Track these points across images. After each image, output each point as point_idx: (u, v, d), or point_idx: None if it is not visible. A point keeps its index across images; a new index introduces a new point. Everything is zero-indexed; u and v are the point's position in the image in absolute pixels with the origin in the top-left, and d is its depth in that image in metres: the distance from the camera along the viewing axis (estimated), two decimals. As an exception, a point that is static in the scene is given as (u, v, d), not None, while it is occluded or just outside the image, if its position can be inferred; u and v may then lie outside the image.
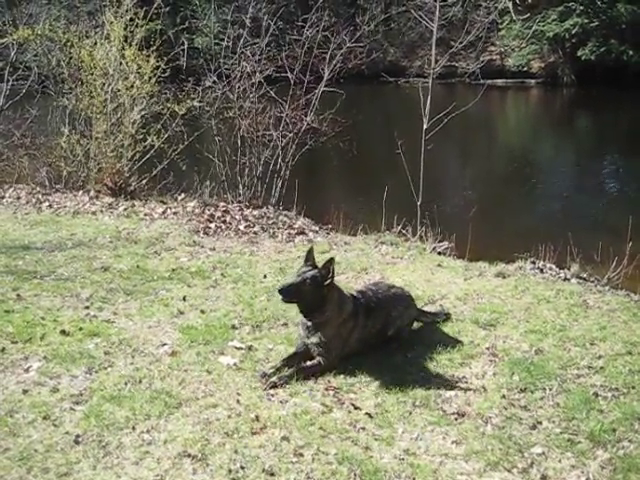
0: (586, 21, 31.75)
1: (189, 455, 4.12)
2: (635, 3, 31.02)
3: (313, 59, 11.83)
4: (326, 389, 5.02)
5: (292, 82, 11.67)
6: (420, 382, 5.11)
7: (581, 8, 31.83)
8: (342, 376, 5.20)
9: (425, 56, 26.30)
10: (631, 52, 30.97)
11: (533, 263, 8.11)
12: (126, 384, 4.94)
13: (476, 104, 10.92)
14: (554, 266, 8.10)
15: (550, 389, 5.01)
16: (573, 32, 31.97)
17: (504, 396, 4.93)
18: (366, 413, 4.70)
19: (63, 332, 5.76)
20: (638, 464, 4.16)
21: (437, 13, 11.49)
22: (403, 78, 29.85)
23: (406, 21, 37.59)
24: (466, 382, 5.15)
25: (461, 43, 12.40)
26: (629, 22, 31.18)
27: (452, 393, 4.98)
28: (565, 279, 7.67)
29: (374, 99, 33.25)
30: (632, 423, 4.57)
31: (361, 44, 12.96)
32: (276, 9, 16.91)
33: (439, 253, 8.97)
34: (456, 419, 4.66)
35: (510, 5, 5.04)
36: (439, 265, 7.96)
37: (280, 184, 11.73)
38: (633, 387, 5.01)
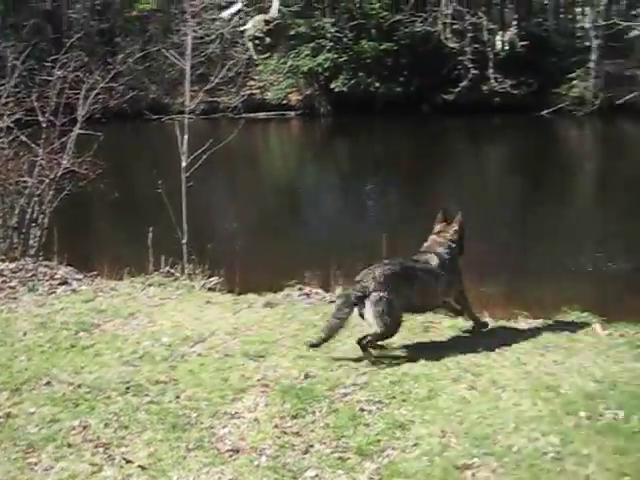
0: (336, 56, 33.96)
1: None
2: (375, 40, 33.76)
3: (67, 100, 11.29)
4: (95, 446, 4.74)
5: (45, 125, 11.03)
6: (193, 423, 5.02)
7: (330, 44, 34.01)
8: (112, 430, 4.95)
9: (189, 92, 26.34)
10: (377, 84, 33.61)
11: (300, 289, 8.34)
12: None
13: (241, 138, 11.13)
14: (320, 290, 8.40)
15: (320, 411, 5.15)
16: (325, 66, 34.00)
17: (276, 425, 4.98)
18: (139, 466, 4.50)
19: None
20: (399, 469, 4.42)
21: (189, 51, 11.54)
22: (166, 115, 29.58)
23: (165, 59, 37.49)
24: (239, 417, 5.13)
25: (221, 78, 12.42)
26: (372, 57, 33.87)
27: (225, 430, 4.94)
28: (330, 302, 7.96)
29: (137, 138, 32.68)
30: (394, 431, 4.84)
31: (115, 84, 12.60)
32: (24, 47, 15.91)
33: (209, 289, 8.93)
34: (231, 456, 4.62)
35: (251, 46, 5.23)
36: (208, 302, 7.91)
37: (39, 233, 10.99)
38: (394, 397, 5.30)
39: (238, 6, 5.80)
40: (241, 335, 6.69)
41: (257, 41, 4.90)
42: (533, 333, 6.78)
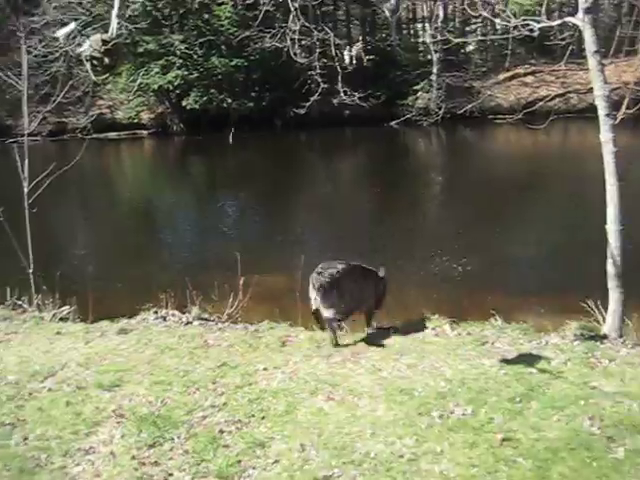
0: (186, 73, 33.51)
1: None
2: (226, 57, 33.70)
3: None
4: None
5: None
6: (43, 465, 4.77)
7: (180, 61, 33.52)
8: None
9: (32, 114, 25.11)
10: (229, 100, 33.54)
11: (156, 313, 8.15)
12: None
13: (92, 159, 10.73)
14: (177, 312, 8.23)
15: (179, 437, 5.05)
16: (176, 84, 33.47)
17: (134, 457, 4.83)
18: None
19: None
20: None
21: (25, 70, 10.99)
22: (10, 138, 28.02)
23: (5, 79, 35.62)
24: (94, 452, 4.93)
25: (67, 98, 11.87)
26: (223, 73, 33.76)
27: (79, 468, 4.74)
28: (187, 323, 7.85)
29: (-22, 163, 30.68)
30: (254, 450, 4.83)
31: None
32: None
33: (61, 319, 8.50)
34: (85, 495, 4.42)
35: (88, 66, 5.03)
36: (59, 333, 7.56)
37: None
38: (253, 415, 5.30)
39: (72, 26, 5.59)
40: (94, 365, 6.44)
41: (95, 61, 4.73)
42: (387, 339, 7.01)
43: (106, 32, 4.90)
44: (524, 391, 5.57)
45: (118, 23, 4.99)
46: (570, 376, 5.87)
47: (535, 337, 7.04)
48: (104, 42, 4.65)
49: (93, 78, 5.14)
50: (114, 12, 4.84)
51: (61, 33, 5.34)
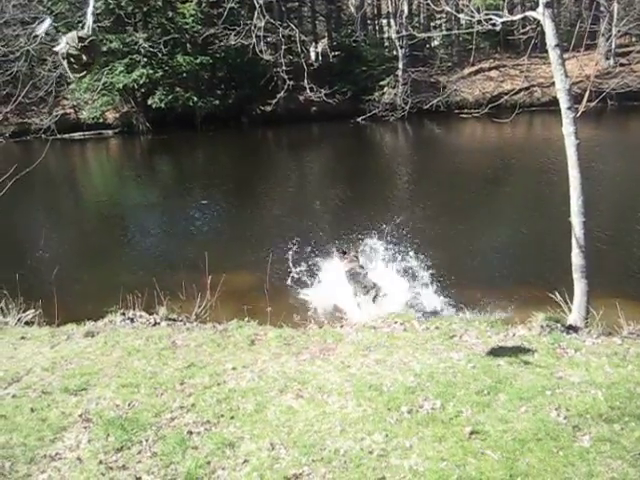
0: (151, 71, 33.16)
1: None
2: (191, 55, 33.46)
3: None
4: None
5: None
6: (7, 473, 4.67)
7: (145, 60, 33.15)
8: None
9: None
10: (195, 98, 33.29)
11: (123, 314, 8.05)
12: None
13: (57, 160, 10.58)
14: (144, 313, 8.15)
15: (147, 440, 4.99)
16: (141, 82, 33.11)
17: (101, 461, 4.75)
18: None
19: None
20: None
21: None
22: (-30, 139, 27.54)
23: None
24: (60, 458, 4.84)
25: (30, 98, 11.61)
26: (189, 71, 33.50)
27: (45, 476, 4.65)
28: (155, 324, 7.78)
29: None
30: (223, 451, 4.79)
31: None
32: None
33: (26, 323, 8.37)
34: (51, 503, 4.34)
35: (65, 64, 4.92)
36: (23, 337, 7.42)
37: None
38: (222, 415, 5.25)
39: (47, 22, 5.46)
40: (60, 369, 6.33)
41: (72, 59, 4.62)
42: (356, 335, 7.02)
43: (75, 30, 4.80)
44: (492, 383, 5.62)
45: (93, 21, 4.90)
46: (537, 367, 5.93)
47: (502, 329, 7.10)
48: (80, 39, 4.56)
49: (71, 76, 5.04)
50: (90, 9, 4.74)
51: (40, 30, 5.19)
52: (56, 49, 4.66)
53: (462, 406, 5.26)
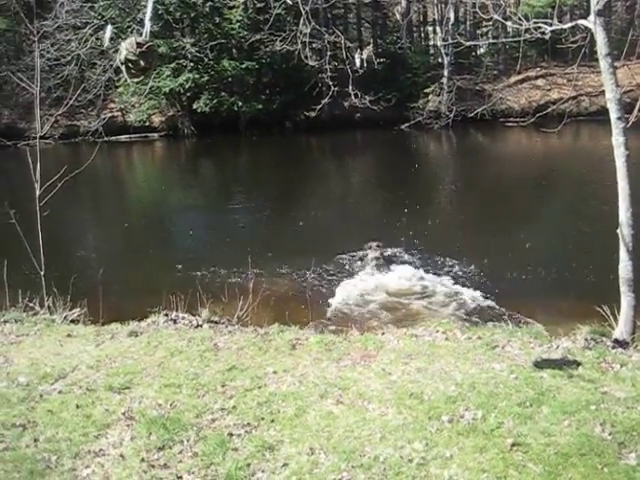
0: (197, 76, 33.61)
1: None
2: (237, 60, 33.82)
3: None
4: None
5: None
6: (53, 467, 4.77)
7: (191, 64, 33.65)
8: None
9: (44, 117, 25.27)
10: (240, 103, 33.63)
11: (166, 315, 8.15)
12: None
13: (104, 162, 10.81)
14: (187, 315, 8.24)
15: (188, 440, 5.05)
16: (187, 87, 33.60)
17: (143, 459, 4.83)
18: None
19: None
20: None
21: (37, 74, 11.03)
22: (22, 141, 28.24)
23: (18, 82, 35.79)
24: (103, 454, 4.93)
25: (79, 101, 11.89)
26: (234, 76, 33.89)
27: (89, 471, 4.74)
28: (197, 326, 7.86)
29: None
30: (263, 453, 4.82)
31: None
32: None
33: (71, 321, 8.54)
34: (93, 498, 4.43)
35: (124, 69, 5.06)
36: (69, 335, 7.57)
37: None
38: (262, 418, 5.29)
39: (109, 29, 5.57)
40: (104, 368, 6.45)
41: (130, 64, 4.73)
42: (398, 343, 6.99)
43: (132, 36, 4.89)
44: (534, 395, 5.54)
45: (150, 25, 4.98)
46: (581, 381, 5.83)
47: (546, 341, 6.99)
48: (139, 45, 4.65)
49: (129, 81, 5.15)
50: (147, 15, 4.85)
51: (106, 38, 5.27)
52: (118, 58, 4.75)
53: (504, 417, 5.20)
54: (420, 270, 11.39)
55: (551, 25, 7.86)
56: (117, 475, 4.66)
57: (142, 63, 4.67)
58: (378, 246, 12.67)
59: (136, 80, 5.07)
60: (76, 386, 6.06)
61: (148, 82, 33.51)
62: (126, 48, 4.59)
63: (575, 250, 12.39)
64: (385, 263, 11.91)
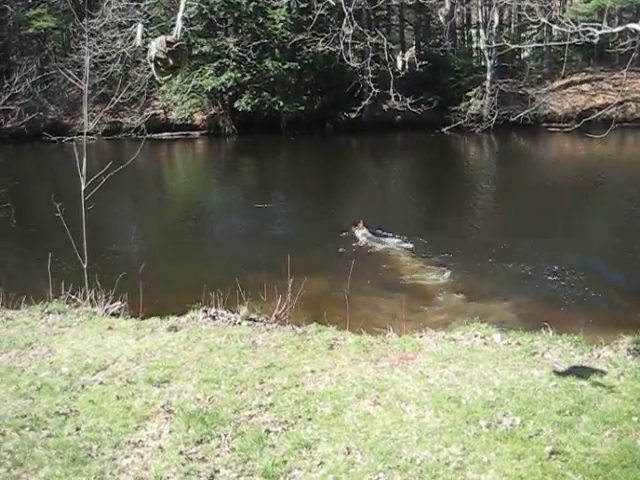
0: (239, 75, 33.85)
1: None
2: (279, 60, 33.99)
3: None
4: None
5: None
6: (94, 455, 4.87)
7: (234, 63, 33.90)
8: (5, 469, 4.73)
9: (89, 113, 25.72)
10: (281, 103, 33.79)
11: (205, 312, 8.22)
12: None
13: (145, 158, 10.97)
14: (225, 312, 8.30)
15: (225, 435, 5.10)
16: (229, 85, 33.86)
17: (181, 452, 4.89)
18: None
19: None
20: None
21: (87, 71, 11.24)
22: (67, 136, 28.81)
23: (65, 78, 36.44)
24: (143, 445, 5.01)
25: (123, 98, 12.11)
26: (276, 76, 34.06)
27: (128, 461, 4.82)
28: (236, 323, 7.92)
29: (37, 160, 31.55)
30: (300, 451, 4.85)
31: (12, 104, 12.20)
32: None
33: (112, 315, 8.68)
34: (132, 488, 4.50)
35: (152, 67, 5.16)
36: (110, 328, 7.70)
37: None
38: (299, 417, 5.32)
39: (140, 27, 5.68)
40: (144, 361, 6.54)
41: (159, 62, 4.80)
42: (436, 346, 6.96)
43: (163, 35, 4.96)
44: (574, 404, 5.46)
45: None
46: (623, 391, 5.73)
47: (587, 350, 6.89)
48: (168, 43, 4.72)
49: (157, 79, 5.23)
50: (179, 14, 4.91)
51: (138, 37, 5.36)
52: (148, 56, 4.81)
53: (543, 425, 5.15)
54: (460, 272, 11.34)
55: (600, 29, 7.74)
56: (156, 466, 4.73)
57: (171, 62, 4.72)
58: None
59: (165, 78, 5.15)
60: (117, 378, 6.16)
61: (191, 80, 33.95)
62: (156, 47, 4.65)
63: (616, 258, 12.20)
64: (354, 225, 13.86)
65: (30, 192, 22.46)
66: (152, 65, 4.83)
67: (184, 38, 5.29)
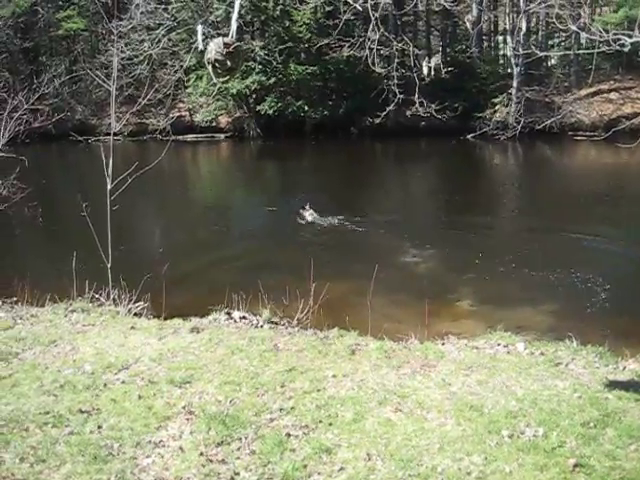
0: (264, 79, 34.00)
1: None
2: (304, 64, 34.08)
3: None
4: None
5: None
6: (115, 454, 4.89)
7: (259, 67, 34.06)
8: (28, 464, 4.78)
9: (115, 114, 25.96)
10: (306, 107, 33.86)
11: (227, 314, 8.27)
12: None
13: (170, 160, 11.03)
14: (247, 314, 8.34)
15: (246, 438, 5.10)
16: (253, 88, 34.02)
17: (202, 453, 4.90)
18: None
19: None
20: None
21: (115, 72, 11.34)
22: (93, 137, 29.13)
23: (92, 79, 36.81)
24: (163, 445, 5.03)
25: (149, 100, 12.17)
26: (301, 80, 34.14)
27: (149, 460, 4.83)
28: (258, 326, 7.94)
29: (63, 160, 31.94)
30: (320, 456, 4.83)
31: (40, 104, 12.36)
32: None
33: (135, 314, 8.75)
34: (154, 487, 4.51)
35: (210, 69, 5.23)
36: (133, 327, 7.75)
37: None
38: (320, 421, 5.30)
39: (200, 29, 5.67)
40: (166, 361, 6.58)
41: (217, 64, 4.82)
42: (458, 354, 6.92)
43: (221, 37, 4.96)
44: (599, 416, 5.39)
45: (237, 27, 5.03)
46: (649, 404, 5.65)
47: (611, 361, 6.80)
48: (226, 45, 4.73)
49: (214, 80, 5.26)
50: (234, 15, 4.94)
51: (199, 40, 5.35)
52: (206, 58, 4.82)
53: (566, 436, 5.08)
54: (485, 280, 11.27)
55: (631, 37, 7.65)
56: (176, 467, 4.74)
57: (229, 63, 4.74)
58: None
59: (222, 80, 5.17)
60: (139, 377, 6.20)
61: (216, 83, 34.19)
62: (214, 49, 4.67)
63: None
64: (302, 208, 15.37)
65: (57, 191, 22.72)
66: (209, 67, 4.86)
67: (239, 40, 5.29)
